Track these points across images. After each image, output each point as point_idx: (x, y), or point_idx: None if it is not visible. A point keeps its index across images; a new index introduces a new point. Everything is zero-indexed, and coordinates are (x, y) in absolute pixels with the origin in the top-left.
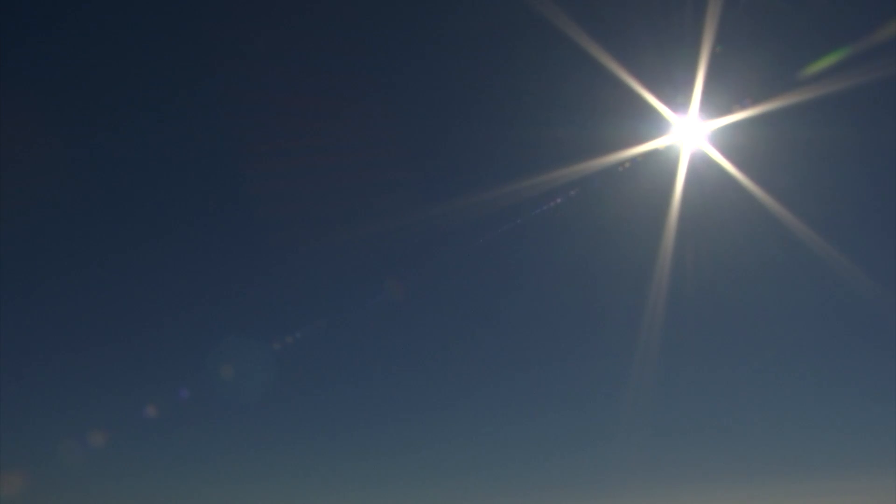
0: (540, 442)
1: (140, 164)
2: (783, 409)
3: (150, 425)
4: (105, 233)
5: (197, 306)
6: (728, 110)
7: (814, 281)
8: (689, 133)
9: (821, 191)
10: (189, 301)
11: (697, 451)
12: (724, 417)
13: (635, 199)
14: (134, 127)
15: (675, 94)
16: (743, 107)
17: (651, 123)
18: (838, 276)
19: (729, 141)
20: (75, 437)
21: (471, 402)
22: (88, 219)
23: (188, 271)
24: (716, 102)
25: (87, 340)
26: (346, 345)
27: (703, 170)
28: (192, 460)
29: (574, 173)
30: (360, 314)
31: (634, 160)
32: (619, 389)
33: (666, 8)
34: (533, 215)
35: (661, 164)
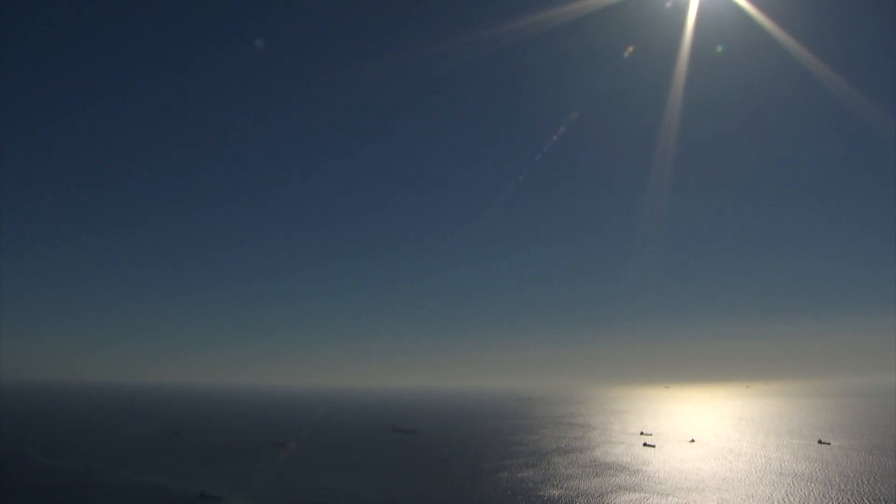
0: (552, 275)
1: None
2: (793, 247)
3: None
4: None
5: None
6: None
7: (831, 119)
8: None
9: (840, 26)
10: None
11: (706, 288)
12: (733, 256)
13: (645, 36)
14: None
15: None
16: None
17: None
18: (856, 115)
19: None
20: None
21: (479, 231)
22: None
23: None
24: None
25: None
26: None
27: (717, 4)
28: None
29: (582, 5)
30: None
31: None
32: (628, 228)
33: None
34: (537, 43)
35: None
